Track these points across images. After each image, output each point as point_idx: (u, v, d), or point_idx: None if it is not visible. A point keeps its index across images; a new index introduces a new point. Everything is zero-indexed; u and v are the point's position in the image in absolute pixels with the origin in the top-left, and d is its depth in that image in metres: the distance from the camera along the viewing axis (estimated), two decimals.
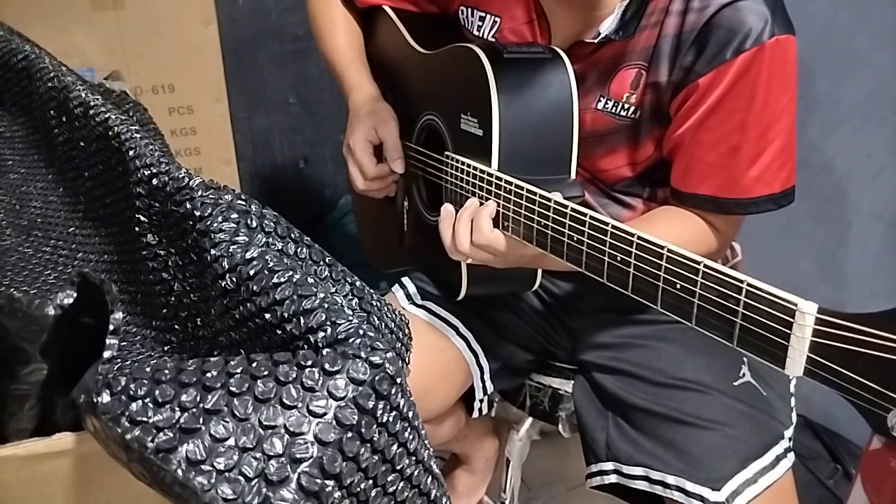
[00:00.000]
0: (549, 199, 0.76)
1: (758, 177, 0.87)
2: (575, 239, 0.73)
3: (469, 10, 1.03)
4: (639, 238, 0.66)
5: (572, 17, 0.92)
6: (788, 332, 0.54)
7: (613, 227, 0.69)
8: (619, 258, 0.68)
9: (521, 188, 0.79)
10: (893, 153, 1.40)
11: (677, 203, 0.94)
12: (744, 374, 0.94)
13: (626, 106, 0.91)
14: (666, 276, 0.64)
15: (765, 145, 0.86)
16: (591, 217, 0.71)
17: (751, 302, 0.57)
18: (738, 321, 0.58)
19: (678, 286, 0.63)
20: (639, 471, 0.93)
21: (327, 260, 0.68)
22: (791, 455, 0.91)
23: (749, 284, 0.57)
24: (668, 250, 0.63)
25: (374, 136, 1.04)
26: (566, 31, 0.94)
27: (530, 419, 1.20)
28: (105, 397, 0.47)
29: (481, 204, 0.85)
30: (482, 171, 0.86)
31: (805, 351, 0.53)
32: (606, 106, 0.92)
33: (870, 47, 1.39)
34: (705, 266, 0.60)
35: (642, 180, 0.97)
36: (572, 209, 0.73)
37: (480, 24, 1.02)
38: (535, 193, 0.78)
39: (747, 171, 0.87)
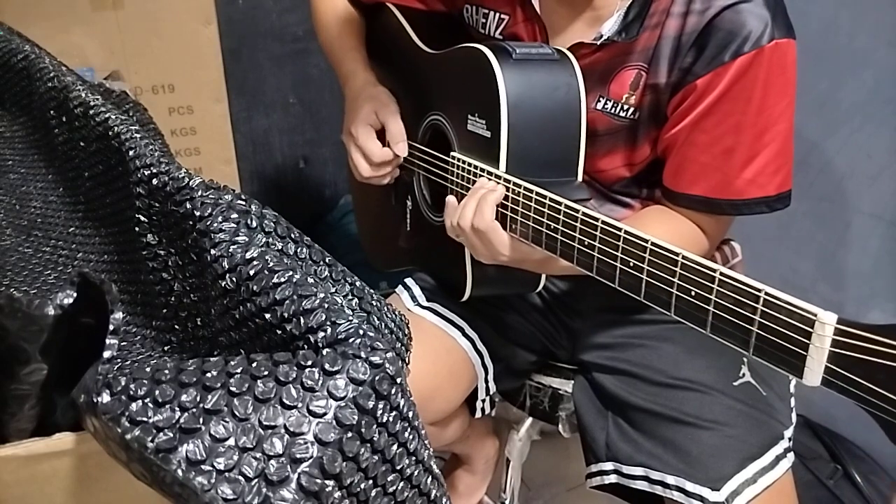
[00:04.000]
0: (559, 203, 0.75)
1: (752, 179, 0.87)
2: (586, 244, 0.73)
3: (474, 7, 1.03)
4: (653, 244, 0.65)
5: (573, 16, 0.92)
6: (807, 342, 0.53)
7: (626, 232, 0.68)
8: (631, 264, 0.68)
9: (531, 191, 0.79)
10: (893, 153, 1.40)
11: (668, 202, 0.94)
12: (743, 374, 0.94)
13: (626, 107, 0.91)
14: (680, 282, 0.63)
15: (760, 148, 0.86)
16: (604, 222, 0.70)
17: (768, 311, 0.56)
18: (754, 330, 0.57)
19: (693, 293, 0.62)
20: (638, 471, 0.93)
21: (327, 260, 0.68)
22: (791, 455, 0.91)
23: (767, 293, 0.56)
24: (683, 257, 0.62)
25: (376, 121, 1.02)
26: (567, 31, 0.94)
27: (530, 419, 1.20)
28: (105, 397, 0.47)
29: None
30: (489, 173, 0.86)
31: (823, 361, 0.53)
32: (606, 106, 0.92)
33: (870, 47, 1.39)
34: (721, 274, 0.59)
35: (640, 181, 0.97)
36: (584, 213, 0.73)
37: (485, 21, 1.02)
38: (544, 196, 0.77)
39: (741, 173, 0.87)
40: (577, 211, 0.73)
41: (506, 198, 0.83)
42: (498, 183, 0.84)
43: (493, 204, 0.83)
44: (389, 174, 1.06)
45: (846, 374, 0.51)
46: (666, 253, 0.64)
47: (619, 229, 0.69)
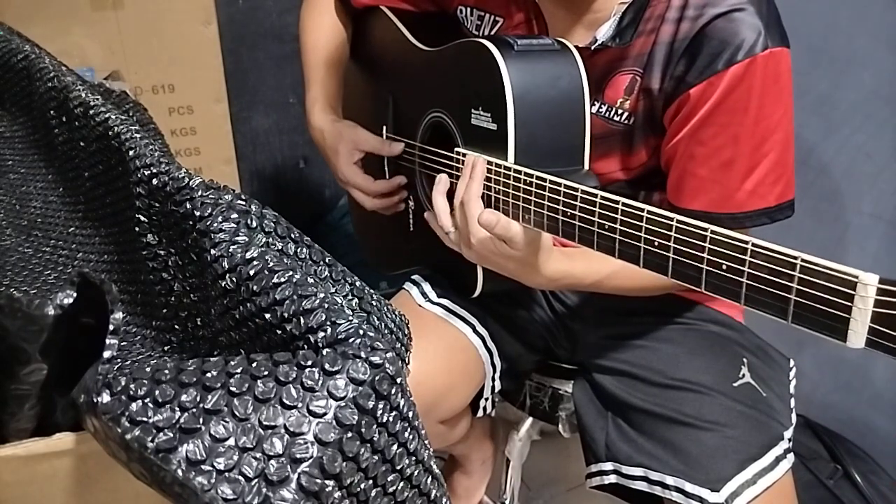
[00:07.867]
0: (575, 189, 0.74)
1: (752, 190, 0.86)
2: (606, 227, 0.71)
3: (468, 9, 1.03)
4: (678, 221, 0.64)
5: (570, 17, 0.92)
6: (850, 304, 0.53)
7: (649, 212, 0.66)
8: (656, 243, 0.66)
9: (544, 179, 0.77)
10: (893, 153, 1.40)
11: None
12: (743, 375, 0.94)
13: (620, 112, 0.91)
14: (710, 257, 0.62)
15: (759, 159, 0.85)
16: (624, 203, 0.69)
17: (806, 277, 0.55)
18: (792, 297, 0.57)
19: (724, 267, 0.61)
20: (638, 471, 0.93)
21: (327, 260, 0.68)
22: (791, 456, 0.91)
23: (804, 260, 0.55)
24: (712, 231, 0.61)
25: (356, 153, 1.06)
26: (564, 33, 0.93)
27: (530, 419, 1.20)
28: (105, 397, 0.47)
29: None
30: (498, 165, 0.85)
31: (867, 322, 0.52)
32: (601, 111, 0.92)
33: (870, 47, 1.39)
34: (754, 245, 0.58)
35: (637, 184, 0.97)
36: (602, 197, 0.71)
37: (479, 23, 1.02)
38: (559, 184, 0.76)
39: (741, 185, 0.86)
40: (596, 195, 0.71)
41: (517, 189, 0.81)
42: (508, 180, 0.83)
43: (476, 198, 0.83)
44: (398, 199, 1.09)
45: (891, 332, 0.51)
46: (693, 229, 0.63)
47: (642, 209, 0.67)
